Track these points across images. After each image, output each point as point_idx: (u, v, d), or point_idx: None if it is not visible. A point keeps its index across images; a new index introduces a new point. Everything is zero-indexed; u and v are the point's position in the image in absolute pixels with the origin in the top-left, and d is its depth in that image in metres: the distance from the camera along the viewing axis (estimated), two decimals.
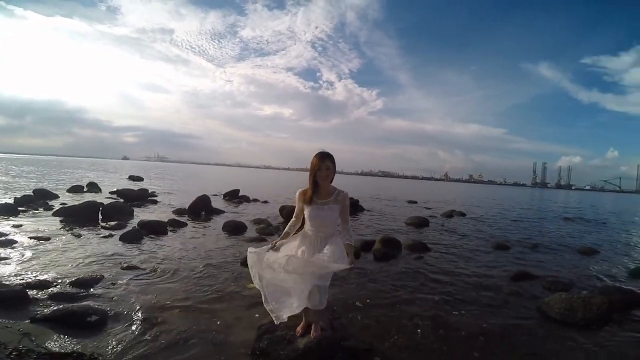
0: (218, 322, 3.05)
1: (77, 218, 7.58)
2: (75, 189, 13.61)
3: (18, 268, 4.14)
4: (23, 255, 4.68)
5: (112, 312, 3.12)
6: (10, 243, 5.22)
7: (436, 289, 4.36)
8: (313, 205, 2.44)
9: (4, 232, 5.86)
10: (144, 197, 12.34)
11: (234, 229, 7.50)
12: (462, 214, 13.29)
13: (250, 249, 2.52)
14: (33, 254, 4.80)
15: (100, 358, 2.39)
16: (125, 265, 4.52)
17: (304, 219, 2.55)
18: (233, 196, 14.54)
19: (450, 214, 12.93)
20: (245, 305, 3.45)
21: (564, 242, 8.67)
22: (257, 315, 3.15)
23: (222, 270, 4.60)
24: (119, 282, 3.91)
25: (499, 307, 3.92)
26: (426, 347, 2.86)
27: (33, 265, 4.31)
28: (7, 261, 4.40)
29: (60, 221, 7.32)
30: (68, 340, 2.59)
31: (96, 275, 4.00)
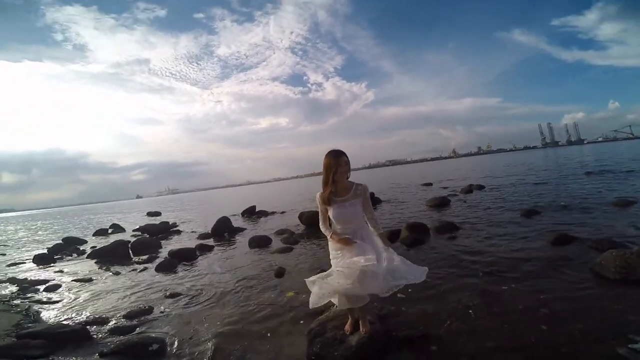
0: (269, 335, 3.10)
1: (110, 258, 7.83)
2: (101, 232, 14.03)
3: (71, 308, 4.36)
4: (72, 297, 4.94)
5: (170, 339, 3.23)
6: (56, 287, 5.53)
7: (477, 267, 4.23)
8: (333, 204, 2.45)
9: (48, 278, 6.20)
10: (167, 230, 12.59)
11: (260, 243, 7.60)
12: (481, 187, 13.13)
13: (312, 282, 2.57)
14: (80, 294, 5.05)
15: None
16: (168, 293, 4.66)
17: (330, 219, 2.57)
18: (251, 213, 14.69)
19: (469, 189, 12.75)
20: (290, 314, 3.50)
21: (593, 198, 8.36)
22: (302, 322, 3.21)
23: (259, 284, 4.68)
24: (167, 310, 4.04)
25: (548, 275, 3.74)
26: (483, 327, 2.75)
27: (84, 304, 4.52)
28: (59, 304, 4.64)
29: (95, 262, 7.59)
30: None
31: (145, 307, 4.15)
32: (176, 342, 3.14)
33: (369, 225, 2.57)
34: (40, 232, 19.37)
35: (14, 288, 5.69)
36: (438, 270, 4.28)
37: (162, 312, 3.97)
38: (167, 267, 6.24)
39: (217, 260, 6.59)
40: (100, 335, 3.43)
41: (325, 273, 2.51)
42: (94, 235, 13.72)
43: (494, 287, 3.53)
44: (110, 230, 14.57)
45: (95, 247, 9.21)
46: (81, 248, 10.02)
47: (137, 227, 13.83)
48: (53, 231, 19.37)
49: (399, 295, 3.55)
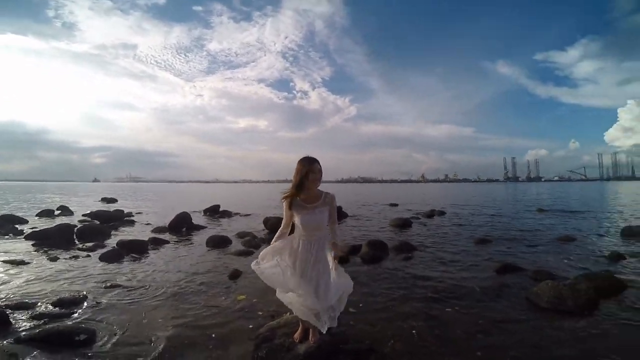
0: (213, 335, 2.96)
1: (51, 241, 7.22)
2: (46, 214, 12.97)
3: None
4: None
5: (101, 330, 3.01)
6: None
7: (426, 288, 4.38)
8: (303, 210, 2.43)
9: None
10: (120, 218, 11.92)
11: (218, 243, 7.34)
12: (442, 213, 13.66)
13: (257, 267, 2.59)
14: (9, 277, 4.61)
15: None
16: (108, 284, 4.35)
17: (293, 225, 2.56)
18: (214, 212, 14.26)
19: (431, 214, 13.24)
20: (238, 317, 3.39)
21: (540, 233, 9.01)
22: (250, 326, 3.12)
23: (211, 284, 4.50)
24: (104, 301, 3.76)
25: (489, 300, 3.96)
26: (425, 349, 2.83)
27: (10, 288, 4.14)
28: None
29: (33, 245, 6.98)
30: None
31: (79, 295, 3.84)
32: (107, 336, 2.92)
33: (329, 232, 2.58)
34: None
35: None
36: (390, 288, 4.35)
37: (97, 303, 3.68)
38: (112, 257, 5.84)
39: (169, 256, 6.27)
40: (20, 321, 3.14)
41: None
42: (37, 215, 12.67)
43: (439, 311, 3.65)
44: (57, 212, 13.54)
45: (36, 228, 8.47)
46: (19, 228, 9.15)
47: (88, 212, 12.89)
48: None
49: (350, 309, 3.58)
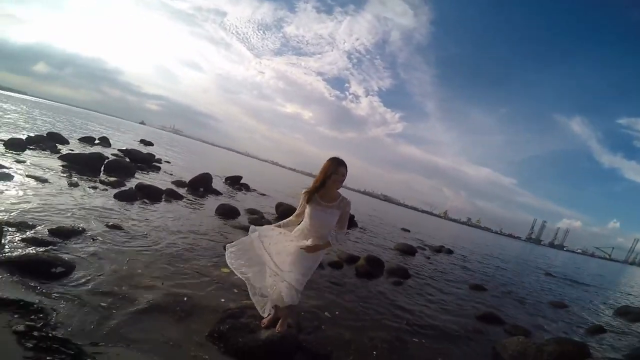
0: (185, 299, 3.01)
1: (80, 167, 7.70)
2: (87, 140, 13.86)
3: (4, 204, 4.08)
4: (15, 192, 4.67)
5: (80, 268, 3.06)
6: (7, 177, 5.27)
7: (404, 315, 4.38)
8: (318, 206, 2.51)
9: (6, 165, 5.97)
10: (149, 161, 12.43)
11: (227, 212, 7.51)
12: (450, 251, 13.23)
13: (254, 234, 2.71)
14: (25, 192, 4.79)
15: (47, 313, 2.26)
16: (110, 223, 4.51)
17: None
18: (234, 182, 14.54)
19: (439, 249, 12.85)
20: (216, 288, 3.46)
21: (538, 294, 8.79)
22: (222, 300, 3.19)
23: (203, 250, 4.61)
24: (99, 238, 3.89)
25: (458, 341, 4.02)
26: None
27: (19, 203, 4.27)
28: None
29: (63, 166, 7.44)
30: (23, 287, 2.51)
31: (78, 227, 3.96)
32: (84, 275, 2.96)
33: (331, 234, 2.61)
34: (33, 120, 19.05)
35: None
36: (371, 306, 4.38)
37: (92, 239, 3.80)
38: (126, 197, 6.12)
39: (177, 212, 6.46)
40: (10, 241, 3.15)
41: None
42: (79, 140, 13.55)
43: (406, 340, 3.66)
44: (97, 142, 14.36)
45: (73, 150, 9.10)
46: (59, 147, 9.85)
47: (124, 148, 13.65)
48: (47, 123, 19.11)
49: (326, 313, 3.69)
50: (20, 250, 3.04)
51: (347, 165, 2.54)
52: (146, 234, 4.57)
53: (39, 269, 2.77)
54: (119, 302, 2.71)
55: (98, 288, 2.83)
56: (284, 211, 9.10)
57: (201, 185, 10.00)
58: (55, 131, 12.65)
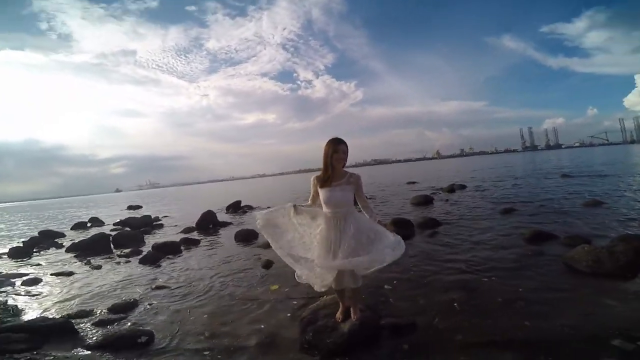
0: (262, 327, 3.07)
1: (91, 251, 7.60)
2: (79, 226, 13.59)
3: (53, 302, 4.22)
4: (52, 291, 4.78)
5: (158, 331, 3.18)
6: (36, 281, 5.32)
7: (458, 261, 4.39)
8: (328, 188, 2.56)
9: (26, 272, 5.99)
10: (150, 223, 12.31)
11: (246, 237, 7.53)
12: (463, 187, 13.49)
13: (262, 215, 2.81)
14: (61, 288, 4.89)
15: None
16: (154, 286, 4.60)
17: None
18: (236, 208, 14.51)
19: (451, 188, 13.07)
20: (278, 306, 3.52)
21: (568, 198, 8.83)
22: (288, 315, 3.24)
23: (246, 277, 4.67)
24: (154, 302, 3.98)
25: (525, 268, 3.92)
26: (468, 321, 2.81)
27: (65, 298, 4.39)
28: (40, 297, 4.50)
29: (75, 256, 7.37)
30: None
31: (130, 300, 4.07)
32: (163, 335, 3.09)
33: (364, 212, 2.69)
34: (14, 226, 18.56)
35: None
36: (422, 264, 4.41)
37: (149, 305, 3.89)
38: (151, 261, 6.13)
39: (203, 254, 6.53)
40: (85, 328, 3.33)
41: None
42: (72, 229, 13.24)
43: (475, 282, 3.63)
44: (89, 224, 14.12)
45: (75, 240, 8.93)
46: (59, 242, 9.67)
47: (118, 220, 13.47)
48: (28, 225, 18.62)
49: (385, 286, 3.70)
50: (99, 333, 3.19)
51: (347, 142, 2.59)
52: (190, 284, 4.62)
53: (126, 343, 2.91)
54: (208, 347, 2.81)
55: (185, 345, 2.92)
56: None
57: (208, 223, 9.98)
58: (44, 228, 12.40)
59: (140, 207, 23.56)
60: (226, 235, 8.31)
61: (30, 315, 3.85)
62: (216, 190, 51.28)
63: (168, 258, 6.38)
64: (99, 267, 6.09)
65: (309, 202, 2.77)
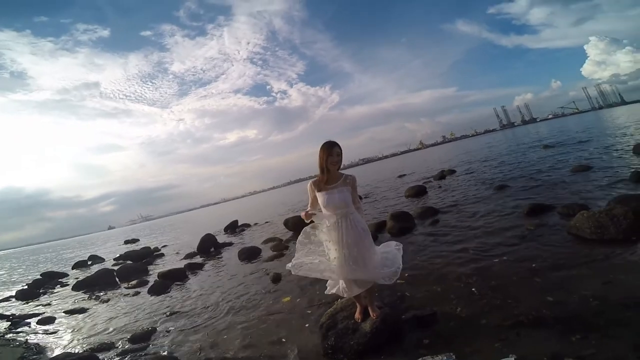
0: (283, 340, 3.08)
1: (97, 287, 7.65)
2: (80, 265, 13.47)
3: (72, 338, 4.30)
4: (68, 327, 4.86)
5: (182, 356, 3.23)
6: (51, 320, 5.39)
7: (465, 243, 4.43)
8: (323, 191, 2.59)
9: (39, 312, 6.04)
10: (150, 254, 12.20)
11: (250, 254, 7.54)
12: (453, 171, 13.66)
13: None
14: (77, 324, 4.97)
15: None
16: (168, 313, 4.64)
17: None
18: (234, 227, 14.47)
19: (442, 175, 13.19)
20: (294, 316, 3.55)
21: (554, 168, 8.98)
22: (307, 326, 3.24)
23: (257, 293, 4.69)
24: (172, 328, 4.03)
25: (532, 243, 3.93)
26: (488, 302, 2.82)
27: (83, 333, 4.45)
28: (57, 335, 4.58)
29: (83, 292, 7.40)
30: None
31: (148, 328, 4.12)
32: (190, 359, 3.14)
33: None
34: (13, 272, 18.15)
35: (3, 323, 5.50)
36: (430, 254, 4.43)
37: (167, 332, 3.94)
38: (159, 289, 6.16)
39: (210, 276, 6.56)
40: None
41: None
42: (73, 268, 13.11)
43: (487, 264, 3.64)
44: (89, 262, 13.98)
45: (79, 278, 8.89)
46: (63, 281, 9.65)
47: (117, 255, 13.34)
48: (27, 269, 18.22)
49: (398, 281, 3.61)
50: None
51: (340, 144, 2.61)
52: (203, 307, 4.66)
53: None
54: None
55: None
56: (294, 224, 9.27)
57: (209, 245, 9.97)
58: (46, 270, 12.24)
59: (137, 240, 23.24)
60: (229, 255, 8.35)
61: (53, 352, 3.89)
62: (210, 214, 50.79)
63: (176, 285, 6.41)
64: (108, 301, 6.13)
65: (309, 207, 2.74)
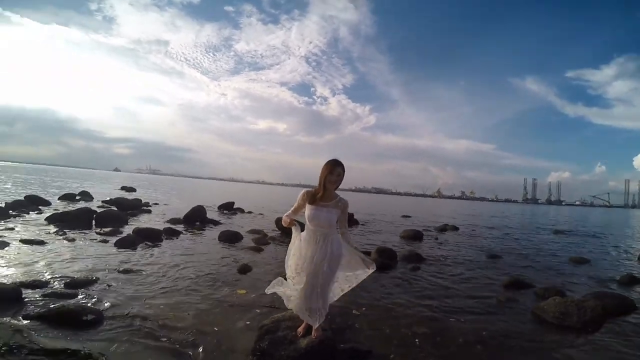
0: (216, 328, 3.00)
1: (71, 224, 7.49)
2: (68, 197, 13.47)
3: (12, 269, 4.10)
4: (17, 257, 4.63)
5: (108, 312, 3.10)
6: (3, 245, 5.17)
7: (432, 297, 4.38)
8: (316, 206, 2.57)
9: None
10: (138, 207, 12.23)
11: (230, 238, 7.41)
12: (456, 228, 13.41)
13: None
14: (27, 256, 4.75)
15: (95, 357, 2.34)
16: (121, 269, 4.48)
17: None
18: (228, 208, 14.45)
19: (444, 228, 13.04)
20: (239, 311, 3.45)
21: (555, 253, 8.89)
22: (247, 323, 3.14)
23: (217, 277, 4.57)
24: (114, 284, 3.87)
25: (494, 313, 3.97)
26: (425, 356, 2.84)
27: (27, 266, 4.27)
28: (0, 262, 4.35)
29: (53, 226, 7.25)
30: (62, 338, 2.57)
31: (91, 277, 3.96)
32: (111, 318, 3.00)
33: (343, 237, 2.72)
34: (6, 186, 18.51)
35: None
36: (396, 295, 4.36)
37: (108, 286, 3.79)
38: (128, 243, 6.02)
39: (181, 247, 6.41)
40: (33, 298, 3.24)
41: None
42: (59, 198, 13.17)
43: (442, 320, 3.65)
44: (78, 197, 14.03)
45: (58, 210, 8.84)
46: (43, 209, 9.58)
47: (108, 198, 13.34)
48: (18, 187, 18.54)
49: (354, 311, 3.65)
50: (46, 305, 3.08)
51: (344, 165, 2.61)
52: (158, 273, 4.51)
53: (71, 319, 2.84)
54: (155, 340, 2.71)
55: (131, 330, 2.84)
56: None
57: (196, 218, 9.86)
58: (32, 193, 12.26)
59: (134, 190, 23.49)
60: (210, 233, 8.20)
61: None
62: (214, 188, 51.33)
63: (146, 244, 6.25)
64: (72, 241, 5.97)
65: (290, 212, 2.73)
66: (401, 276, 5.36)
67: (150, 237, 6.76)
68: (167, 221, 9.43)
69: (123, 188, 23.84)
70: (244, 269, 4.96)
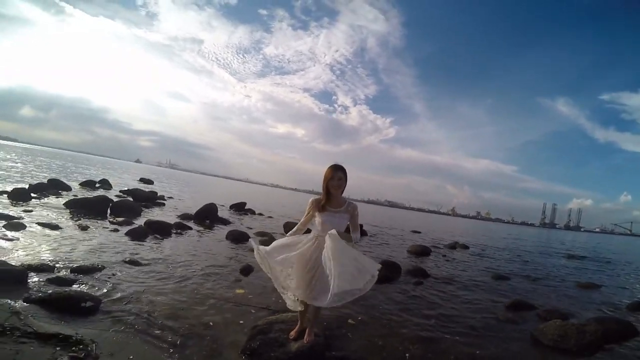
0: (211, 324, 3.05)
1: (87, 211, 7.76)
2: (88, 184, 13.97)
3: (23, 251, 4.23)
4: (30, 240, 4.79)
5: (107, 301, 3.17)
6: (19, 227, 5.36)
7: (431, 314, 4.32)
8: (327, 212, 2.60)
9: (15, 215, 6.04)
10: (153, 199, 12.53)
11: (237, 238, 7.51)
12: (466, 247, 13.11)
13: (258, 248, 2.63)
14: (39, 239, 4.91)
15: (86, 343, 2.36)
16: (127, 259, 4.60)
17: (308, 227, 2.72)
18: (239, 208, 14.62)
19: (453, 246, 12.76)
20: (235, 310, 3.49)
21: (565, 277, 8.65)
22: (241, 322, 3.17)
23: (220, 275, 4.63)
24: (119, 274, 3.98)
25: (492, 333, 3.91)
26: None
27: (38, 250, 4.41)
28: (14, 243, 4.52)
29: (70, 211, 7.51)
30: (58, 322, 2.62)
31: (98, 265, 4.08)
32: (109, 306, 3.08)
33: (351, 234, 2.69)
34: (32, 169, 19.32)
35: None
36: (394, 309, 4.32)
37: (113, 275, 3.90)
38: (138, 235, 6.18)
39: (189, 243, 6.54)
40: (37, 282, 3.33)
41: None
42: (80, 185, 13.66)
43: (437, 338, 3.58)
44: (98, 185, 14.50)
45: (77, 196, 9.18)
46: (63, 193, 9.96)
47: (125, 188, 13.75)
48: (43, 170, 19.34)
49: (349, 320, 3.65)
50: (48, 289, 3.15)
51: (346, 169, 2.64)
52: (162, 267, 4.61)
53: (70, 304, 2.89)
54: (149, 332, 2.76)
55: (126, 320, 2.89)
56: (291, 229, 9.06)
57: (207, 215, 10.02)
58: (55, 177, 12.71)
59: (152, 182, 24.05)
60: (219, 232, 8.32)
61: None
62: (228, 187, 51.97)
63: (155, 237, 6.42)
64: (85, 228, 6.16)
65: (300, 225, 2.73)
66: (403, 290, 5.29)
67: (160, 230, 6.93)
68: (179, 216, 9.61)
69: (141, 180, 24.45)
70: (246, 270, 5.01)
